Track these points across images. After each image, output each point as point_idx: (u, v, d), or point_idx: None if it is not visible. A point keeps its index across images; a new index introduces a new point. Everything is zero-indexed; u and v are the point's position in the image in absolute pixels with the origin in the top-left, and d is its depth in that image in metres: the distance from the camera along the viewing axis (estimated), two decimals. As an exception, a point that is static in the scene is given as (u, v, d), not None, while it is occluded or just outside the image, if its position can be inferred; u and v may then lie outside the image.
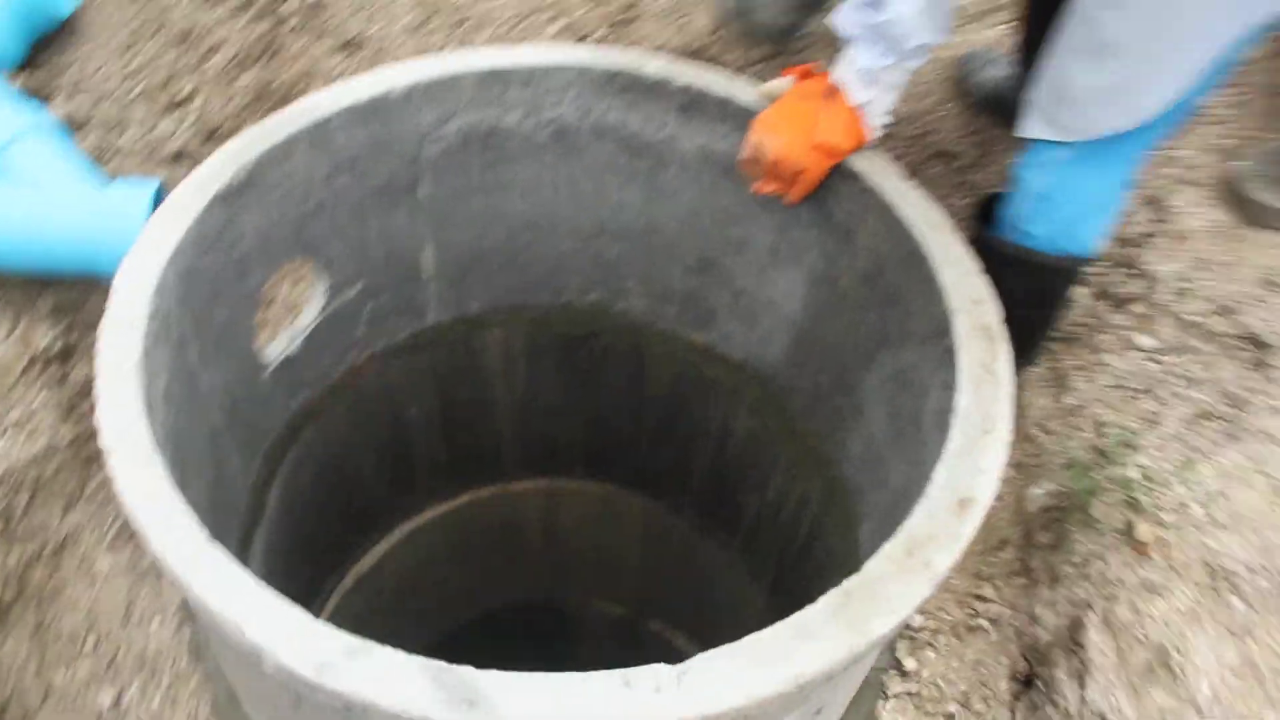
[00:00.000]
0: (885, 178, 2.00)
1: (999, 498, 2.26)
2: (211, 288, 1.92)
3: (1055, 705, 1.88)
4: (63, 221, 2.15)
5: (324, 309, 2.26)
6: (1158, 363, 2.18)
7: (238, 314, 2.03)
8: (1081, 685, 1.84)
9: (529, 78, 2.17)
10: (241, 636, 1.37)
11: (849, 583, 1.47)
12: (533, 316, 2.56)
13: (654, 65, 2.18)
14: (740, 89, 2.14)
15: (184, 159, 2.50)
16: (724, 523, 2.81)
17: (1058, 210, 2.04)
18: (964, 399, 1.68)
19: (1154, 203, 2.37)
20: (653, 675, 1.37)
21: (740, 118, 2.12)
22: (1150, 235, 2.33)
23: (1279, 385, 2.04)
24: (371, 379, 2.46)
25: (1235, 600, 1.80)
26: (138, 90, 2.53)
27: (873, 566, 1.49)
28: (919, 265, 1.90)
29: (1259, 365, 2.08)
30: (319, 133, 2.01)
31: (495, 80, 2.15)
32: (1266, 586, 1.80)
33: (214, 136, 2.58)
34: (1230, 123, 2.52)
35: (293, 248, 2.10)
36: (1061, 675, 1.90)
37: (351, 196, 2.15)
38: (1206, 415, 2.03)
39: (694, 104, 2.17)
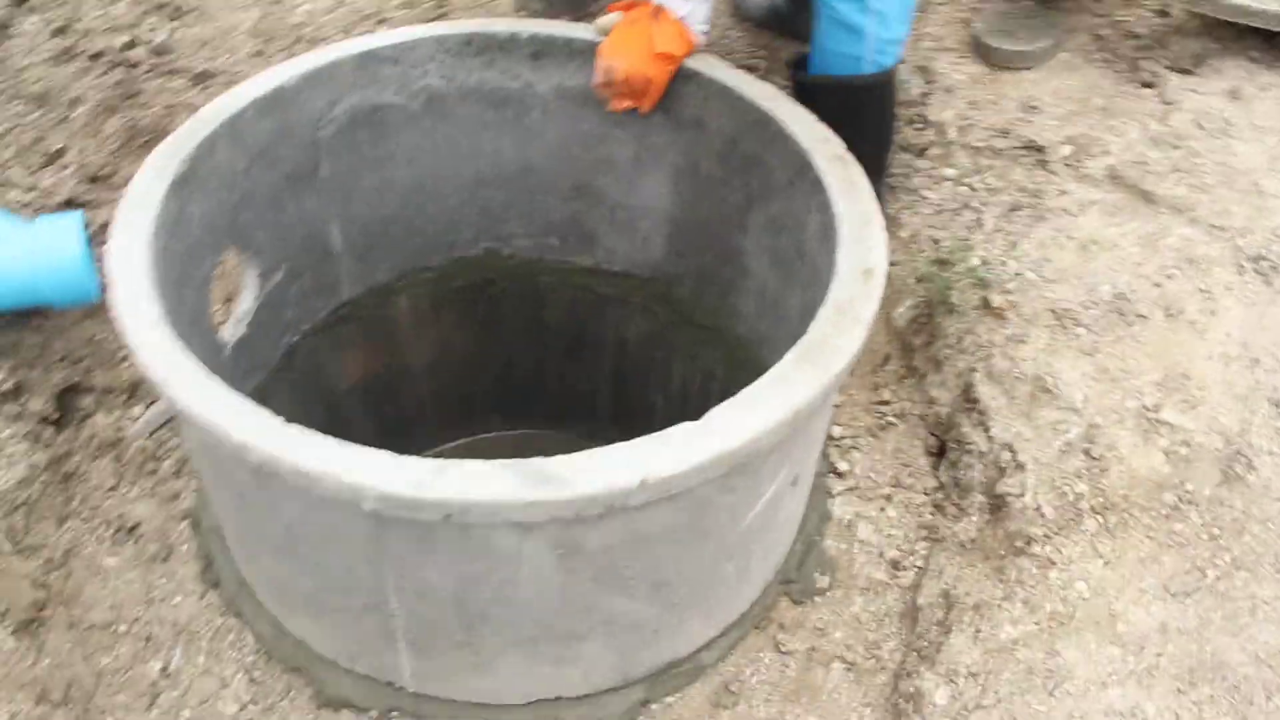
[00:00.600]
0: (720, 70, 2.41)
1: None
2: (179, 271, 2.12)
3: (969, 453, 2.29)
4: (2, 258, 2.30)
5: (258, 295, 2.47)
6: (963, 185, 2.65)
7: (199, 298, 2.24)
8: (986, 430, 2.26)
9: (396, 54, 2.47)
10: (340, 482, 1.61)
11: (803, 341, 1.84)
12: (432, 276, 2.83)
13: (501, 25, 2.53)
14: (578, 30, 2.51)
15: (74, 204, 2.66)
16: (640, 428, 3.13)
17: (861, 33, 2.44)
18: (840, 206, 2.09)
19: (923, 70, 2.87)
20: (682, 431, 1.70)
21: (584, 54, 2.48)
22: (926, 95, 2.83)
23: (1058, 174, 2.55)
24: (304, 359, 2.67)
25: (1079, 329, 2.26)
26: (9, 153, 2.67)
27: (815, 328, 1.87)
28: (768, 127, 2.31)
29: (1041, 163, 2.59)
30: (234, 127, 2.25)
31: (369, 61, 2.44)
32: (1097, 313, 2.27)
33: (97, 180, 2.74)
34: (959, 1, 3.07)
35: (228, 235, 2.32)
36: (967, 429, 2.31)
37: (267, 185, 2.39)
38: (1015, 208, 2.51)
39: (542, 51, 2.52)
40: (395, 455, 1.64)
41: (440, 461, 1.64)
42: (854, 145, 2.21)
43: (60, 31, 2.73)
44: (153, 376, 1.75)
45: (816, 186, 2.17)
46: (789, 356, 1.82)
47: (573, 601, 1.87)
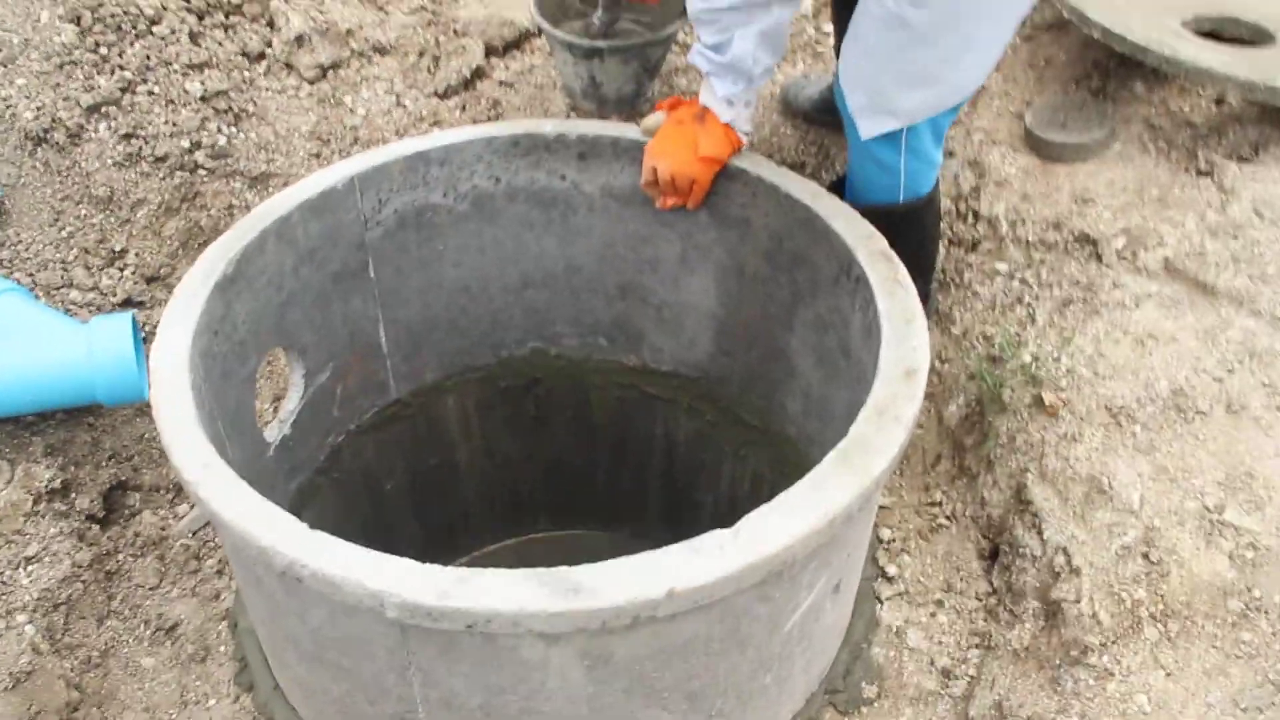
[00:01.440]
0: (766, 167, 2.40)
1: (921, 424, 2.64)
2: (222, 369, 2.14)
3: (1022, 556, 2.20)
4: (56, 358, 2.34)
5: (303, 395, 2.49)
6: (1016, 280, 2.60)
7: (243, 396, 2.26)
8: (1039, 532, 2.18)
9: (445, 156, 2.50)
10: (363, 588, 1.59)
11: (842, 444, 1.79)
12: (479, 376, 2.84)
13: (549, 125, 2.55)
14: (624, 130, 2.53)
15: (131, 304, 2.71)
16: (689, 529, 3.08)
17: (896, 170, 2.43)
18: (884, 304, 2.05)
19: (974, 164, 2.83)
20: (714, 539, 1.65)
21: (630, 153, 2.50)
22: (977, 189, 2.79)
23: (1113, 267, 2.48)
24: (349, 459, 2.68)
25: (1135, 427, 2.18)
26: (73, 254, 2.74)
27: (855, 430, 1.82)
28: (813, 225, 2.29)
29: (1094, 256, 2.53)
30: (284, 227, 2.28)
31: (418, 162, 2.47)
32: (1153, 410, 2.18)
33: (154, 280, 2.80)
34: (1010, 94, 3.04)
35: (274, 335, 2.34)
36: (1020, 532, 2.23)
37: (315, 285, 2.41)
38: (1068, 302, 2.45)
39: (589, 151, 2.54)
40: (419, 564, 1.62)
41: (464, 570, 1.61)
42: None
43: (127, 137, 2.81)
44: (185, 477, 1.76)
45: (860, 283, 2.14)
46: (827, 460, 1.77)
47: (604, 713, 1.81)
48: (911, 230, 2.43)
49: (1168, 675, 1.92)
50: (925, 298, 2.42)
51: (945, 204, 2.80)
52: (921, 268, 2.50)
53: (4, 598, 2.29)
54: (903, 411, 1.84)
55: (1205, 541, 2.02)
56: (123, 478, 2.64)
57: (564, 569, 1.61)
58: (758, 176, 2.38)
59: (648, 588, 1.58)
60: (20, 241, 2.78)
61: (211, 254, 2.18)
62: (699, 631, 1.73)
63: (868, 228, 2.22)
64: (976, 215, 2.77)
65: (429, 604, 1.57)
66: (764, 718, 2.06)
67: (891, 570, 2.40)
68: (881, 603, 2.36)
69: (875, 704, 2.21)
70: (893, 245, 2.18)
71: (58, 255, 2.77)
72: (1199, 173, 2.63)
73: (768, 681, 1.96)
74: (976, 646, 2.26)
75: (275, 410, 2.75)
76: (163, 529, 2.61)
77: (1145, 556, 2.04)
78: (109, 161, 2.83)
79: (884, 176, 2.42)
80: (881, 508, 2.52)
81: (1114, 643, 1.98)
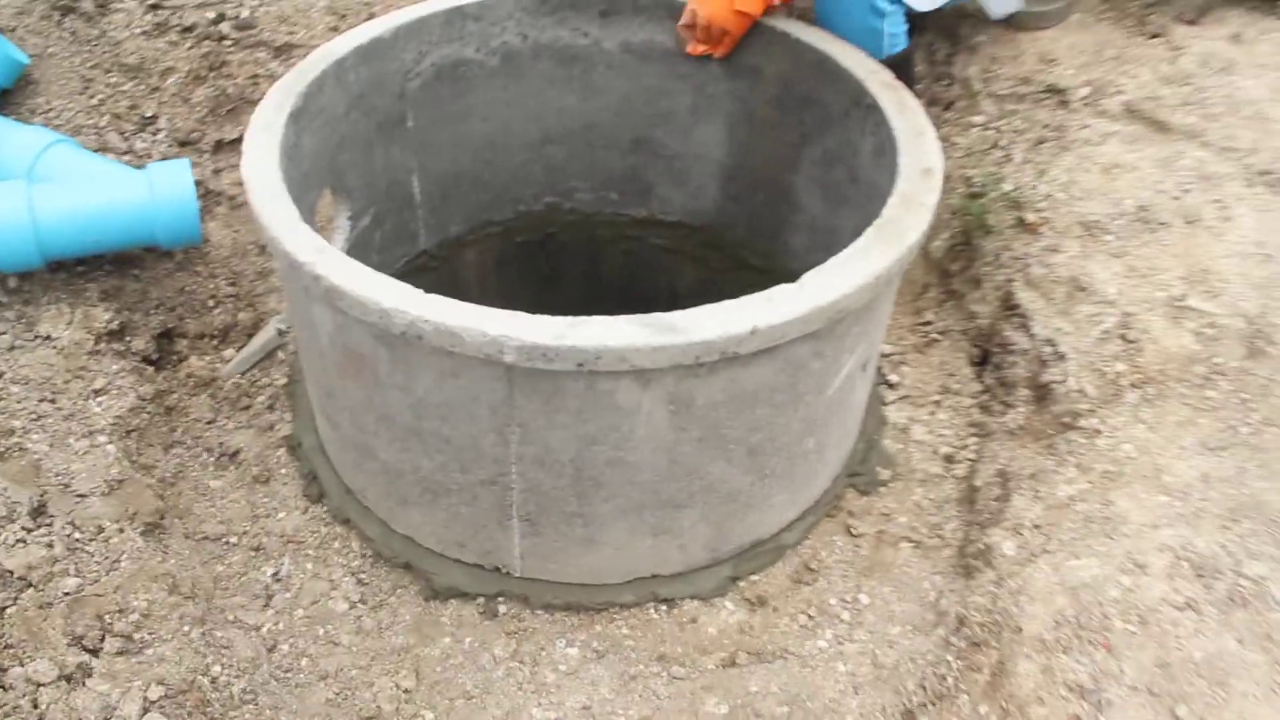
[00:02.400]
0: (784, 22, 2.64)
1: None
2: (293, 196, 2.32)
3: (1012, 352, 2.51)
4: (119, 198, 2.48)
5: (348, 237, 2.67)
6: (991, 129, 2.90)
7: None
8: (1027, 330, 2.48)
9: (479, 12, 2.70)
10: (484, 335, 1.81)
11: (877, 222, 2.07)
12: (498, 230, 3.05)
13: (573, -17, 2.77)
14: (644, -12, 2.75)
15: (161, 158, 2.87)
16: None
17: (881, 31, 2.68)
18: (897, 122, 2.32)
19: (946, 34, 3.14)
20: (783, 290, 1.91)
21: (649, 10, 2.73)
22: (950, 55, 3.09)
23: (1079, 112, 2.79)
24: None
25: (1108, 237, 2.49)
26: (105, 120, 2.86)
27: (887, 212, 2.10)
28: (824, 66, 2.55)
29: (1062, 104, 2.84)
30: (339, 71, 2.47)
31: (455, 17, 2.67)
32: (1123, 222, 2.50)
33: (186, 144, 2.94)
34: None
35: (329, 173, 2.53)
36: (1009, 333, 2.53)
37: (362, 131, 2.60)
38: (1040, 142, 2.75)
39: (611, 8, 2.76)
40: (530, 314, 1.85)
41: (574, 318, 1.84)
42: None
43: (154, 8, 2.95)
44: (300, 260, 1.94)
45: (872, 111, 2.41)
46: (866, 234, 2.04)
47: (679, 463, 2.06)
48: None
49: (1148, 428, 2.24)
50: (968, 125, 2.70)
51: (922, 69, 3.09)
52: None
53: (84, 422, 2.44)
54: (925, 199, 2.12)
55: (1173, 323, 2.35)
56: (170, 325, 2.79)
57: (662, 313, 1.86)
58: (770, 25, 2.62)
59: (734, 325, 1.83)
60: (52, 109, 2.91)
61: (281, 88, 2.36)
62: (766, 380, 1.98)
63: (874, 63, 2.49)
64: (951, 78, 3.07)
65: (546, 343, 1.80)
66: (805, 484, 2.33)
67: (894, 378, 2.69)
68: (887, 405, 2.65)
69: (890, 485, 2.50)
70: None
71: (90, 121, 2.90)
72: (1151, 35, 2.96)
73: (810, 446, 2.23)
74: (974, 436, 2.56)
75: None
76: (212, 370, 2.77)
77: (1123, 337, 2.35)
78: (137, 31, 2.97)
79: (869, 39, 2.66)
80: (881, 327, 2.81)
81: (1100, 408, 2.30)
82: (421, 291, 1.89)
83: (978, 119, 2.96)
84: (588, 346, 1.80)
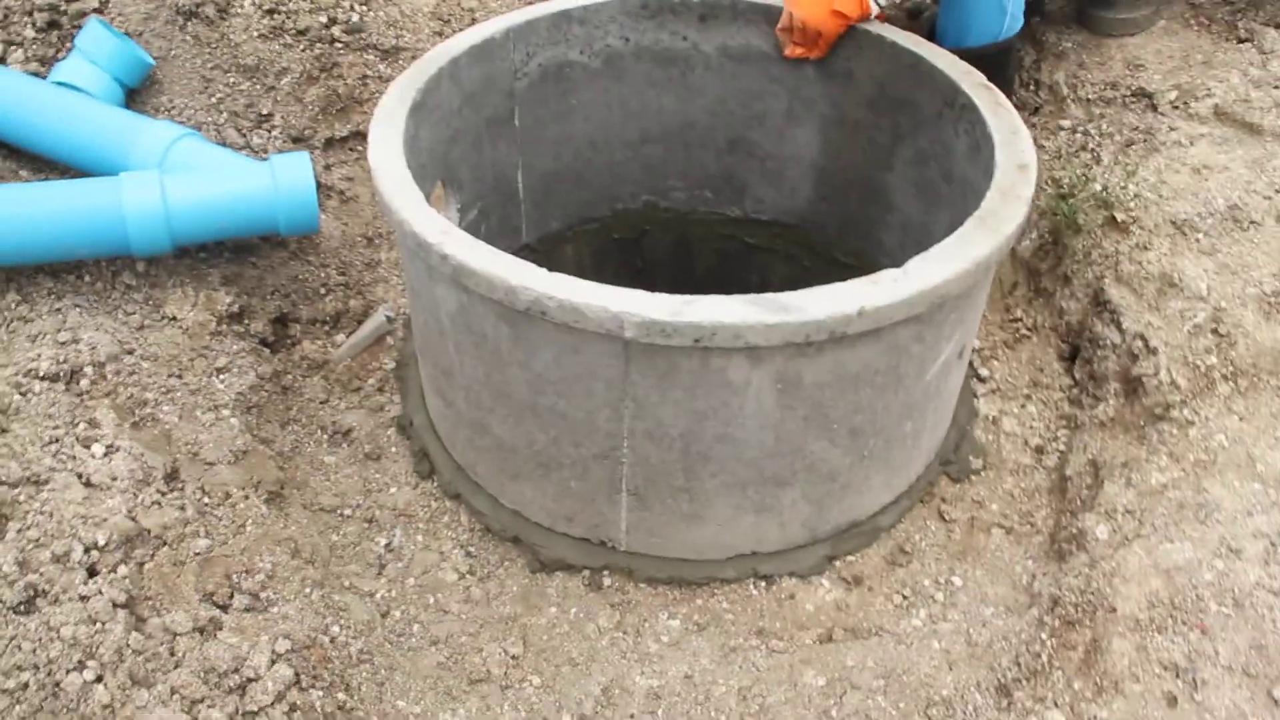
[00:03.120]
0: (878, 26, 2.73)
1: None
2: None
3: (1102, 348, 2.56)
4: (244, 188, 2.62)
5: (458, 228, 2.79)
6: (1079, 133, 2.96)
7: (424, 214, 2.55)
8: (1118, 325, 2.54)
9: (584, 15, 2.82)
10: (606, 311, 1.91)
11: (977, 213, 2.15)
12: (596, 227, 3.16)
13: (674, -11, 2.89)
14: (742, -7, 2.86)
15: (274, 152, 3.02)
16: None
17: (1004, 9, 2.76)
18: (991, 120, 2.40)
19: (1033, 41, 3.21)
20: (888, 275, 1.99)
21: (747, 15, 2.84)
22: (1038, 61, 3.16)
23: (1167, 115, 2.85)
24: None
25: (1198, 235, 2.55)
26: (224, 117, 3.02)
27: (986, 205, 2.17)
28: (917, 68, 2.64)
29: (1149, 108, 2.90)
30: (454, 69, 2.59)
31: (562, 20, 2.79)
32: (1213, 221, 2.55)
33: (299, 141, 3.09)
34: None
35: (442, 166, 2.65)
36: (1100, 328, 2.58)
37: (473, 126, 2.73)
38: (1129, 144, 2.81)
39: (710, 13, 2.87)
40: (649, 292, 1.95)
41: (689, 296, 1.94)
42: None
43: (270, 12, 3.10)
44: (428, 240, 2.06)
45: (966, 110, 2.49)
46: (967, 224, 2.12)
47: (784, 441, 2.15)
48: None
49: (1240, 419, 2.29)
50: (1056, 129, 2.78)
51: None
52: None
53: (209, 397, 2.58)
54: (1022, 192, 2.20)
55: (1265, 317, 2.39)
56: (285, 310, 2.93)
57: (771, 294, 1.95)
58: (864, 29, 2.72)
59: (843, 305, 1.92)
60: (174, 107, 3.06)
61: (401, 83, 2.49)
62: (869, 362, 2.07)
63: (966, 66, 2.58)
64: (1038, 83, 3.14)
65: (664, 320, 1.90)
66: (901, 467, 2.40)
67: (984, 372, 2.76)
68: (978, 398, 2.71)
69: (981, 474, 2.57)
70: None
71: (210, 119, 3.06)
72: (1239, 40, 3.02)
73: (908, 430, 2.31)
74: (1064, 428, 2.62)
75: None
76: (325, 354, 2.90)
77: (1214, 331, 2.41)
78: (254, 34, 3.12)
79: (994, 16, 2.75)
80: (970, 323, 2.88)
81: (1191, 400, 2.35)
82: (545, 270, 1.99)
83: (1065, 123, 3.02)
84: (704, 323, 1.89)
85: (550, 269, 3.14)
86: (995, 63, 2.74)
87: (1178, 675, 1.94)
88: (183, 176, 2.67)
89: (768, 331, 1.90)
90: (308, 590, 2.30)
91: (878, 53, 2.72)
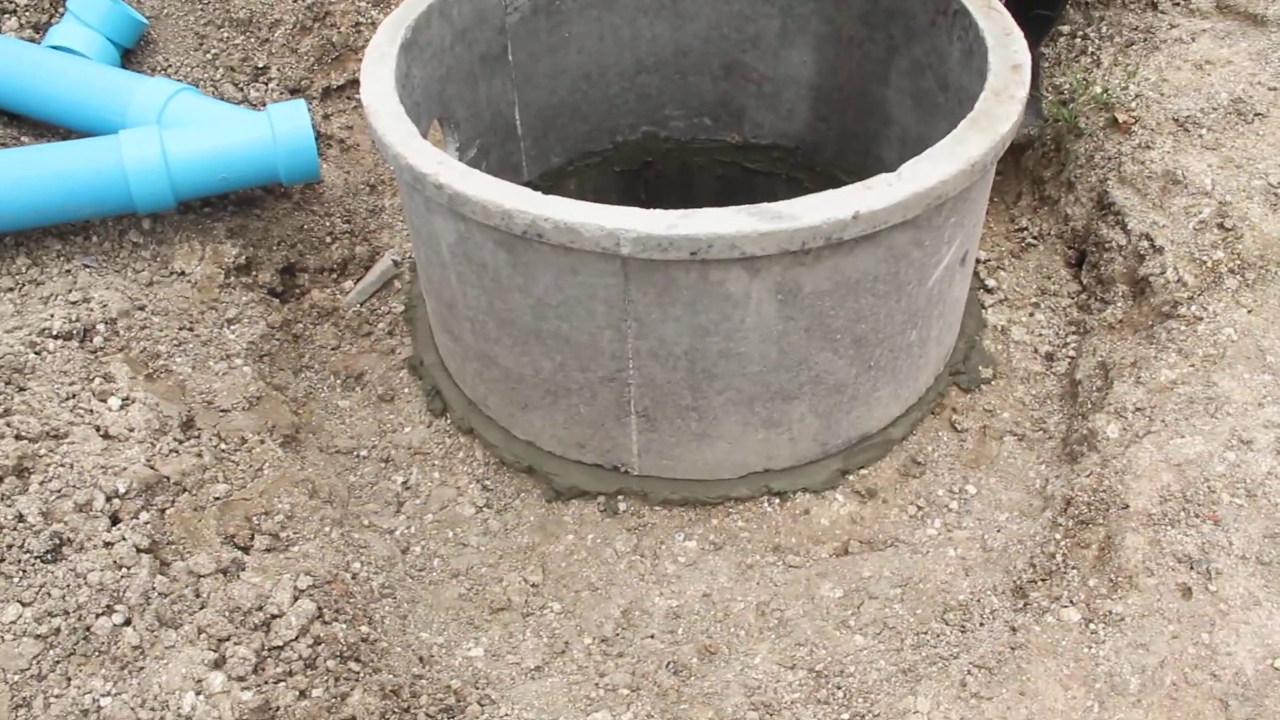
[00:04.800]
0: (861, -64, 2.71)
1: (1000, 171, 2.98)
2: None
3: (1109, 250, 2.55)
4: (242, 138, 2.63)
5: (457, 168, 2.79)
6: (1078, 36, 2.92)
7: (421, 152, 2.55)
8: (1124, 226, 2.51)
9: (572, -53, 2.80)
10: (602, 229, 1.91)
11: (970, 115, 2.13)
12: (597, 161, 3.15)
13: (662, -84, 2.86)
14: (729, -84, 2.83)
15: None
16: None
17: None
18: (984, 23, 2.37)
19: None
20: (882, 179, 1.99)
21: (735, -63, 2.81)
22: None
23: (1168, 13, 2.81)
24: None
25: (1202, 131, 2.51)
26: (220, 73, 3.02)
27: (980, 105, 2.16)
28: (910, -24, 2.60)
29: (1151, 6, 2.85)
30: (444, 6, 2.58)
31: (549, -48, 2.77)
32: (1217, 115, 2.52)
33: (296, 91, 3.09)
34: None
35: (437, 103, 2.65)
36: (1105, 231, 2.57)
37: (466, 63, 2.71)
38: (1129, 44, 2.77)
39: (698, -63, 2.84)
40: (644, 209, 1.94)
41: (685, 210, 1.94)
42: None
43: (260, -36, 3.12)
44: (423, 170, 2.06)
45: (959, 16, 2.46)
46: (961, 125, 2.11)
47: (787, 353, 2.15)
48: None
49: (1249, 311, 2.27)
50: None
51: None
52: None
53: (220, 347, 2.60)
54: (1015, 92, 2.18)
55: (1271, 209, 2.37)
56: (292, 260, 2.94)
57: (768, 204, 1.94)
58: (856, -59, 2.69)
59: (838, 210, 1.91)
60: (170, 65, 3.07)
61: (391, 23, 2.48)
62: (868, 268, 2.06)
63: (962, -28, 2.54)
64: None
65: (660, 233, 1.90)
66: (908, 377, 2.39)
67: (991, 283, 2.75)
68: (986, 309, 2.70)
69: (992, 383, 2.56)
70: None
71: (206, 75, 3.06)
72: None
73: (913, 338, 2.30)
74: (1074, 334, 2.61)
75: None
76: (334, 301, 2.92)
77: (1220, 226, 2.38)
78: (246, -13, 3.12)
79: None
80: (976, 235, 2.87)
81: (1199, 296, 2.33)
82: (539, 194, 1.99)
83: (1064, 27, 2.98)
84: (699, 234, 1.89)
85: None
86: None
87: (1192, 567, 1.95)
88: (181, 131, 2.68)
89: (763, 240, 1.90)
90: (327, 529, 2.32)
91: (869, -35, 2.69)
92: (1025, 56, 2.27)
